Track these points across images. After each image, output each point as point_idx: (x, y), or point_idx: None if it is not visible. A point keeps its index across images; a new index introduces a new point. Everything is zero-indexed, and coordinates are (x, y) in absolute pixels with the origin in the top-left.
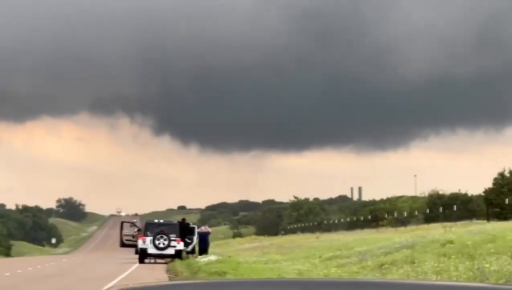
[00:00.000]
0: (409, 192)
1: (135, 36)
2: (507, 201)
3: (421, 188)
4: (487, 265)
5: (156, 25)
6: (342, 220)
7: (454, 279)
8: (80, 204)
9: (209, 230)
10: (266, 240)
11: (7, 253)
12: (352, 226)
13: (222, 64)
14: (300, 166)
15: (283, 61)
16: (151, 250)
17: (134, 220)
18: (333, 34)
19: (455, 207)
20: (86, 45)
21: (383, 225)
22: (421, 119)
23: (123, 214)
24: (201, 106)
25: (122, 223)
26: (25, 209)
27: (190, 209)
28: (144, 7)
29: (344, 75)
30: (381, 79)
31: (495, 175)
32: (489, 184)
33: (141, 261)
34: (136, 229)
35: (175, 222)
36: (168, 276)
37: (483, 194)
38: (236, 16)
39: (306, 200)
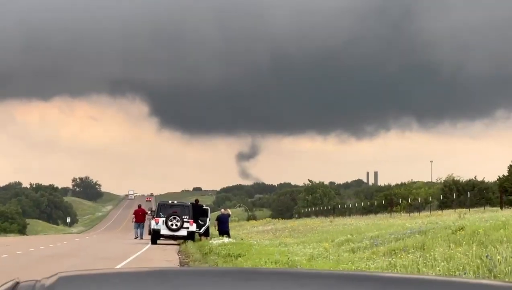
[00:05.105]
0: (425, 177)
1: None
2: None
3: (438, 173)
4: (497, 253)
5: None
6: (356, 204)
7: (461, 267)
8: (96, 184)
9: (229, 212)
10: (280, 223)
11: (22, 231)
12: (366, 210)
13: None
14: (317, 150)
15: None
16: (164, 231)
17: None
18: None
19: (469, 194)
20: None
21: (397, 211)
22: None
23: (134, 195)
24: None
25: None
26: (41, 187)
27: (205, 191)
28: None
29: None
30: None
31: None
32: (505, 171)
33: (154, 242)
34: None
35: (188, 203)
36: (179, 257)
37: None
38: None
39: (321, 183)
